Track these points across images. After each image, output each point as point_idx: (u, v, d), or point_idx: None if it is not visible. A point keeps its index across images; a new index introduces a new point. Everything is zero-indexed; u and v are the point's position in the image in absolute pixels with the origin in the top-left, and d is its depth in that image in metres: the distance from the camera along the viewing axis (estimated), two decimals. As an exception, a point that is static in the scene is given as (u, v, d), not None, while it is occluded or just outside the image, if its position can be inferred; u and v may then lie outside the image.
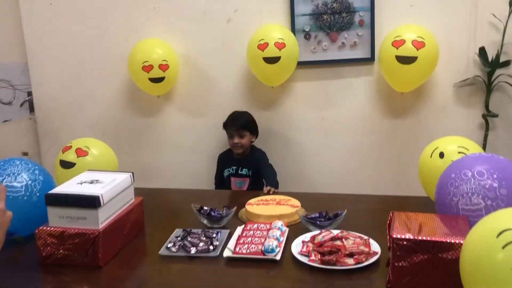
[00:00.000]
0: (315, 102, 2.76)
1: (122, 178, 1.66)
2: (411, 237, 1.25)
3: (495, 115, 2.52)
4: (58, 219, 1.50)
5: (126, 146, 3.06)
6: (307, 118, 2.79)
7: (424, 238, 1.24)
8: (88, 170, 1.76)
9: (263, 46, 2.47)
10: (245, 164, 2.62)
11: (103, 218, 1.51)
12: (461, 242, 1.19)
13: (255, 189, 2.55)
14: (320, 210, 1.78)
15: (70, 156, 2.07)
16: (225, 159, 2.72)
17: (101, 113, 3.06)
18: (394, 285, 1.29)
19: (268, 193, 2.14)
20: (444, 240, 1.22)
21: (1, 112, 3.23)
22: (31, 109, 3.28)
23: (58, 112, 3.13)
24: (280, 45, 2.46)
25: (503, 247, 0.97)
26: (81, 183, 1.60)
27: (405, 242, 1.26)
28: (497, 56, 2.46)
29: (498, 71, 2.48)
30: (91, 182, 1.60)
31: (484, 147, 2.57)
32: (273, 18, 2.67)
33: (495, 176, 1.38)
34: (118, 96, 3.00)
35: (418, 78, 2.42)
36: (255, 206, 1.90)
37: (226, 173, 2.68)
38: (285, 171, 2.74)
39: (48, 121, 3.18)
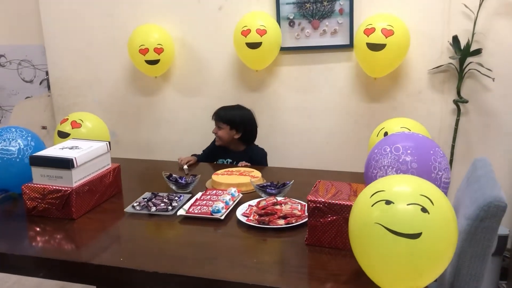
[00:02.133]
0: (299, 85, 2.93)
1: (98, 146, 1.91)
2: (322, 200, 1.44)
3: (466, 101, 2.62)
4: (40, 177, 1.77)
5: (128, 122, 3.33)
6: (291, 100, 2.96)
7: (332, 201, 1.43)
8: (72, 138, 2.03)
9: (246, 32, 2.65)
10: (240, 159, 2.53)
11: (77, 178, 1.77)
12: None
13: None
14: (272, 180, 1.99)
15: (66, 127, 2.34)
16: (221, 149, 2.65)
17: (107, 92, 3.33)
18: (310, 242, 1.49)
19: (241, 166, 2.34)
20: (349, 204, 1.40)
21: (24, 89, 3.58)
22: (49, 87, 3.60)
23: (71, 90, 3.43)
24: (262, 32, 2.64)
25: (372, 205, 1.16)
26: (62, 148, 1.86)
27: (316, 204, 1.45)
28: (468, 44, 2.55)
29: (469, 59, 2.58)
30: (71, 148, 1.86)
31: (455, 131, 2.68)
32: (261, 6, 2.85)
33: (409, 151, 1.54)
34: (121, 76, 3.26)
35: (388, 64, 2.55)
36: (220, 175, 2.12)
37: (220, 162, 2.64)
38: (270, 149, 2.93)
39: (62, 98, 3.48)
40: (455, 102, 2.65)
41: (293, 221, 1.64)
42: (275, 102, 2.98)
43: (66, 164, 1.73)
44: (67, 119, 2.37)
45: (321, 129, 2.95)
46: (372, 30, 2.47)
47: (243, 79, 3.02)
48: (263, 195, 1.91)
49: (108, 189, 1.95)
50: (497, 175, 1.63)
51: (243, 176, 2.09)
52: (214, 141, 2.70)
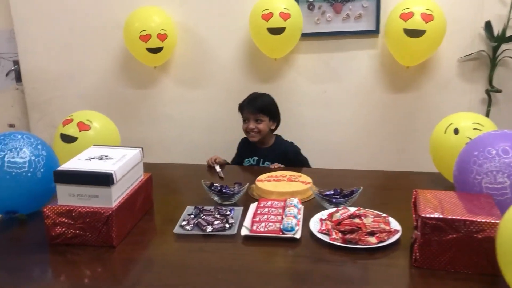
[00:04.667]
0: (318, 75, 2.70)
1: (132, 154, 1.59)
2: (440, 216, 1.23)
3: (499, 91, 2.51)
4: (68, 197, 1.43)
5: (120, 118, 2.92)
6: (309, 91, 2.73)
7: (454, 217, 1.22)
8: (94, 145, 1.68)
9: (267, 16, 2.37)
10: (268, 157, 2.27)
11: (116, 195, 1.44)
12: (492, 221, 1.18)
13: None
14: (334, 187, 1.75)
15: (71, 130, 1.98)
16: (245, 147, 2.37)
17: (93, 84, 2.94)
18: (421, 264, 1.27)
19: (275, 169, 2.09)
20: (476, 220, 1.20)
21: (-16, 81, 3.10)
22: (18, 79, 3.13)
23: (48, 82, 2.99)
24: (285, 16, 2.37)
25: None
26: (90, 159, 1.52)
27: (434, 222, 1.23)
28: (503, 30, 2.43)
29: (503, 46, 2.45)
30: (101, 158, 1.53)
31: (485, 123, 2.56)
32: (276, -14, 2.57)
33: (519, 154, 1.36)
34: (111, 66, 2.88)
35: (425, 51, 2.38)
36: (266, 182, 1.85)
37: (246, 163, 2.34)
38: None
39: (36, 92, 3.04)
40: (487, 91, 2.53)
41: (385, 238, 1.42)
42: (292, 94, 2.73)
43: (105, 180, 1.40)
44: (72, 119, 2.01)
45: (342, 122, 2.74)
46: (410, 14, 2.28)
47: (255, 69, 2.74)
48: (326, 205, 1.67)
49: (143, 204, 1.64)
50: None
51: (294, 183, 1.84)
52: (242, 144, 2.42)
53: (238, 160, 2.39)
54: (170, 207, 1.74)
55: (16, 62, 3.09)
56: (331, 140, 2.77)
